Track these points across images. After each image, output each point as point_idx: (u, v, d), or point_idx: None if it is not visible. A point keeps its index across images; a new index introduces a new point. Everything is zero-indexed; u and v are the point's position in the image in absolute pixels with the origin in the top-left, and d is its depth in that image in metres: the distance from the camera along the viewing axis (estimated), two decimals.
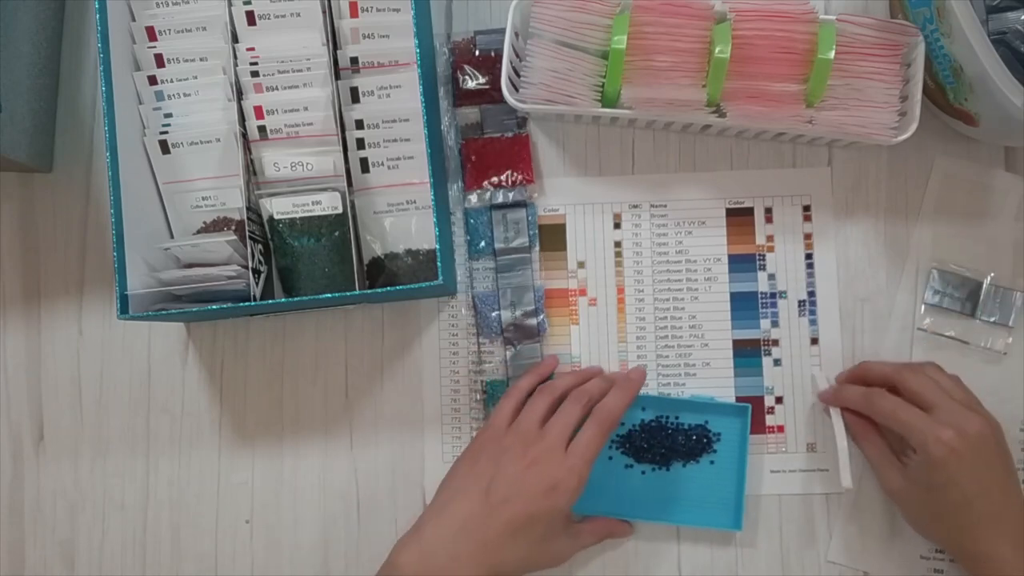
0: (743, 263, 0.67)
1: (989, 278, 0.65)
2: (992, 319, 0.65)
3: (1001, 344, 0.65)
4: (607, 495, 0.65)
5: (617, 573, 0.65)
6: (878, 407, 0.59)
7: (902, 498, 0.60)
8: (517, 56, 0.63)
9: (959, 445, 0.55)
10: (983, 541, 0.56)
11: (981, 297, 0.65)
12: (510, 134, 0.67)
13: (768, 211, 0.67)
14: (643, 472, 0.65)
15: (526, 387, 0.63)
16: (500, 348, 0.66)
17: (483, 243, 0.66)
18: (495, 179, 0.66)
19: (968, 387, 0.60)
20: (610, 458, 0.65)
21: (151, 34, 0.64)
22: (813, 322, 0.66)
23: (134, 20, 0.63)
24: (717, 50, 0.59)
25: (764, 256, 0.67)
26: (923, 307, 0.66)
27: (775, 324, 0.66)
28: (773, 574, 0.65)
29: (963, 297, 0.65)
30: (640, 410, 0.65)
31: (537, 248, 0.67)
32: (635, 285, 0.67)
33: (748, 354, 0.66)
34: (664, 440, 0.65)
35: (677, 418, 0.65)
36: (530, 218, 0.66)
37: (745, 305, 0.67)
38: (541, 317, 0.66)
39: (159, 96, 0.64)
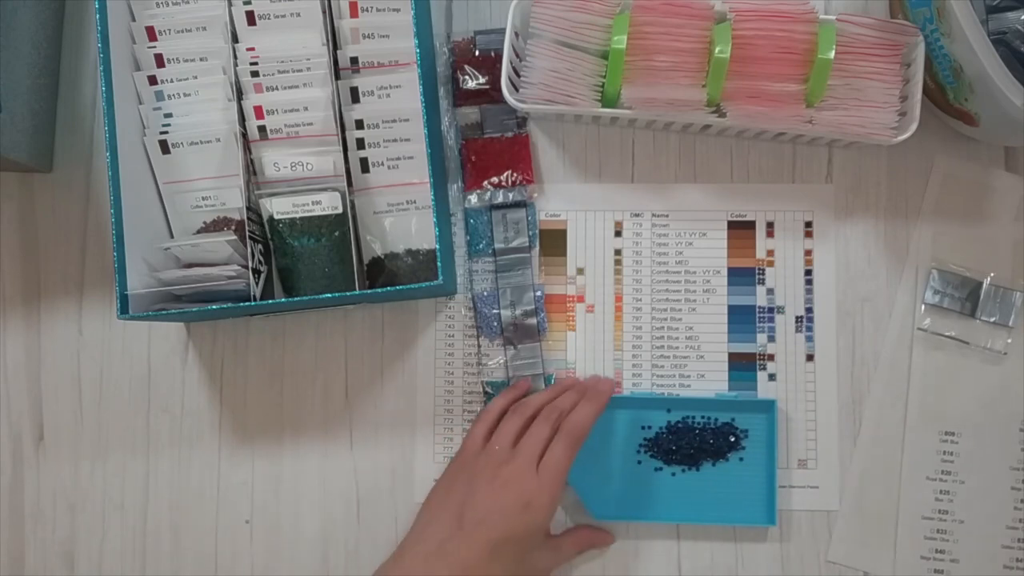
0: (742, 276, 0.67)
1: (989, 278, 0.65)
2: (992, 319, 0.65)
3: (1001, 344, 0.65)
4: (638, 500, 0.65)
5: (617, 573, 0.65)
6: None
7: None
8: (517, 56, 0.63)
9: None
10: None
11: (981, 297, 0.65)
12: (510, 134, 0.67)
13: (770, 225, 0.67)
14: (673, 474, 0.65)
15: (497, 410, 0.63)
16: (500, 348, 0.66)
17: (483, 243, 0.66)
18: (495, 179, 0.66)
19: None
20: (639, 462, 0.65)
21: (151, 34, 0.64)
22: (810, 339, 0.66)
23: (134, 20, 0.63)
24: (717, 50, 0.59)
25: (764, 270, 0.67)
26: (923, 307, 0.66)
27: (771, 339, 0.66)
28: (773, 574, 0.65)
29: (963, 297, 0.65)
30: (666, 412, 0.65)
31: (537, 249, 0.67)
32: (633, 294, 0.67)
33: (743, 368, 0.66)
34: (692, 440, 0.64)
35: (703, 418, 0.65)
36: (530, 218, 0.66)
37: (742, 319, 0.66)
38: (541, 317, 0.66)
39: (159, 96, 0.64)
